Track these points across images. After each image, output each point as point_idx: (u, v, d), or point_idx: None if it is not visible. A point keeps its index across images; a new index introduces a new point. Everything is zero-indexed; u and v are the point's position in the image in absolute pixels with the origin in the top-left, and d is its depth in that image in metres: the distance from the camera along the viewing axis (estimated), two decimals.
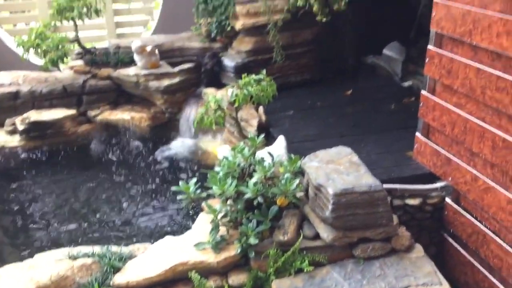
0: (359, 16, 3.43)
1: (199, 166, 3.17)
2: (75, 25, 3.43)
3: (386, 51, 3.95)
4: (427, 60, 2.31)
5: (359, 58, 4.01)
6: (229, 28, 3.56)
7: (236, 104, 2.57)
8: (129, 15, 4.40)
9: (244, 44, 3.55)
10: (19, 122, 3.29)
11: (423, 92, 2.37)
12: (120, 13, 4.37)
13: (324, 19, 2.92)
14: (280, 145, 2.38)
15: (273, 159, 2.14)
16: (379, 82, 3.79)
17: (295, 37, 3.57)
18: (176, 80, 3.48)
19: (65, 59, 3.28)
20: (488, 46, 1.90)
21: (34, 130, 3.29)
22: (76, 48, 3.58)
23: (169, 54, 3.67)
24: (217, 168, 2.11)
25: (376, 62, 4.02)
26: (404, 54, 3.81)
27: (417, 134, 2.45)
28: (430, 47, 2.28)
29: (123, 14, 4.37)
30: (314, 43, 3.68)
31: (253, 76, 2.65)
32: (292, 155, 2.09)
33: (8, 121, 3.40)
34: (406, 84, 3.72)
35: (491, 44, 1.88)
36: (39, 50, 3.23)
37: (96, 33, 4.28)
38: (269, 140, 2.90)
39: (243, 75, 2.73)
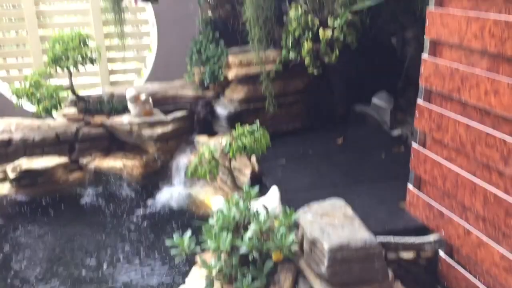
0: (348, 66, 3.52)
1: (192, 215, 3.15)
2: (70, 74, 3.47)
3: (375, 100, 4.05)
4: (417, 114, 2.37)
5: (348, 106, 4.09)
6: (221, 77, 3.63)
7: (230, 155, 2.59)
8: (123, 63, 4.45)
9: (236, 93, 3.61)
10: (10, 170, 3.27)
11: (414, 144, 2.42)
12: (114, 60, 4.43)
13: (315, 72, 2.99)
14: (273, 196, 2.39)
15: (267, 211, 2.14)
16: (369, 131, 3.85)
17: (287, 86, 3.65)
18: (169, 128, 3.51)
19: (58, 108, 3.29)
20: (477, 103, 1.96)
21: (25, 178, 3.27)
22: (70, 96, 3.61)
23: (162, 102, 3.72)
24: (211, 221, 2.11)
25: (365, 111, 4.10)
26: (392, 103, 3.90)
27: (409, 186, 2.48)
28: (419, 101, 2.34)
29: (117, 61, 4.43)
30: (305, 92, 3.76)
31: (247, 127, 2.69)
32: (287, 209, 2.10)
33: None
34: (395, 133, 3.79)
35: (479, 101, 1.94)
36: (33, 99, 3.24)
37: (90, 80, 4.32)
38: (262, 189, 2.91)
39: (236, 126, 2.76)
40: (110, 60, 4.42)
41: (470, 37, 1.95)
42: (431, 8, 2.21)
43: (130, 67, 4.54)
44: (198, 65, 3.74)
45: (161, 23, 4.34)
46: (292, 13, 2.85)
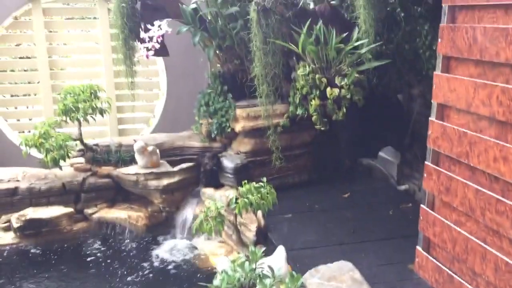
0: (355, 121, 3.55)
1: (196, 269, 3.10)
2: (79, 124, 3.51)
3: (381, 153, 4.05)
4: (425, 175, 2.36)
5: (355, 160, 4.09)
6: (229, 130, 3.66)
7: (237, 212, 2.57)
8: (132, 112, 4.51)
9: (243, 145, 3.63)
10: (15, 219, 3.26)
11: (423, 206, 2.40)
12: (123, 110, 4.49)
13: (322, 128, 3.02)
14: (280, 256, 2.36)
15: (273, 273, 2.11)
16: (376, 185, 3.84)
17: (294, 140, 3.66)
18: (175, 179, 3.50)
19: (66, 158, 3.31)
20: (486, 169, 1.95)
21: (30, 227, 3.25)
22: (78, 145, 3.63)
23: (169, 153, 3.74)
24: (215, 282, 2.08)
25: (372, 164, 4.10)
26: (399, 157, 3.90)
27: (418, 248, 2.44)
28: (427, 163, 2.34)
29: (126, 111, 4.49)
30: (312, 145, 3.77)
31: (254, 184, 2.68)
32: (294, 273, 2.06)
33: (3, 218, 3.36)
34: (403, 187, 3.77)
35: (488, 167, 1.93)
36: (41, 149, 3.27)
37: (98, 129, 4.36)
38: (268, 245, 2.88)
39: (243, 182, 2.76)
40: (120, 109, 4.48)
41: (478, 104, 1.97)
42: (437, 72, 2.24)
43: (139, 116, 4.59)
44: (206, 117, 3.78)
45: (171, 74, 4.43)
46: (299, 71, 2.90)
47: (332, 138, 3.85)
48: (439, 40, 2.21)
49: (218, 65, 3.86)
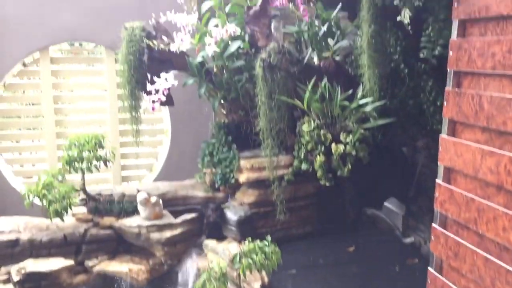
0: (359, 174, 3.53)
1: None
2: (83, 174, 3.50)
3: (386, 204, 4.02)
4: (432, 238, 2.32)
5: (359, 211, 4.05)
6: (233, 180, 3.64)
7: (241, 273, 2.53)
8: (136, 159, 4.51)
9: (247, 196, 3.60)
10: (15, 272, 3.20)
11: (430, 269, 2.35)
12: (127, 156, 4.49)
13: (327, 183, 3.00)
14: None
15: None
16: (381, 237, 3.78)
17: (298, 191, 3.64)
18: (177, 231, 3.46)
19: (69, 210, 3.28)
20: (495, 238, 1.92)
21: (29, 281, 3.19)
22: (81, 195, 3.61)
23: (172, 203, 3.70)
24: None
25: (377, 214, 4.06)
26: (404, 208, 3.86)
27: None
28: (435, 226, 2.30)
29: (129, 157, 4.49)
30: (316, 196, 3.74)
31: (258, 243, 2.64)
32: None
33: (3, 270, 3.31)
34: (408, 240, 3.71)
35: (497, 236, 1.90)
36: (44, 200, 3.25)
37: (101, 175, 4.35)
38: None
39: (247, 241, 2.72)
40: (123, 155, 4.48)
41: (486, 171, 1.95)
42: (444, 135, 2.24)
43: (142, 163, 4.59)
44: (210, 166, 3.77)
45: (175, 122, 4.45)
46: (304, 126, 2.91)
47: (336, 189, 3.81)
48: (445, 103, 2.21)
49: (223, 111, 3.88)
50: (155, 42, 3.26)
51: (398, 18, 2.46)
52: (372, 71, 2.70)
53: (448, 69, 2.20)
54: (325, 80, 2.91)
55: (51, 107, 4.21)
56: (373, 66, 2.70)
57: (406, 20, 2.43)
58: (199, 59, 3.46)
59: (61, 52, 4.32)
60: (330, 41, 3.31)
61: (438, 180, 2.27)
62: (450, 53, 2.17)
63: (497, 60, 1.88)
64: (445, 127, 2.23)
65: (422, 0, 2.42)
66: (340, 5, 3.27)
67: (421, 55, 2.62)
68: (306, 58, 3.13)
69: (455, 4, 2.12)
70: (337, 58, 3.21)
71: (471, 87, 2.07)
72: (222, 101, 3.63)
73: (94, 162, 3.43)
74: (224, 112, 3.83)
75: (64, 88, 4.34)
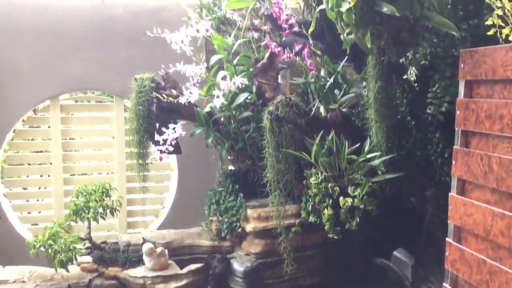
0: (368, 225, 3.50)
1: None
2: (89, 223, 3.49)
3: (395, 253, 3.95)
4: None
5: (368, 260, 3.99)
6: (239, 230, 3.62)
7: None
8: (142, 205, 4.49)
9: (253, 246, 3.57)
10: None
11: None
12: (133, 203, 4.48)
13: (335, 236, 2.97)
14: None
15: None
16: (390, 287, 3.71)
17: (305, 240, 3.60)
18: (183, 282, 3.41)
19: (74, 261, 3.26)
20: None
21: None
22: (86, 244, 3.59)
23: (178, 252, 3.67)
24: None
25: (386, 264, 3.99)
26: (413, 258, 3.80)
27: None
28: (446, 286, 2.26)
29: (135, 204, 4.48)
30: (324, 246, 3.69)
31: None
32: None
33: None
34: None
35: None
36: (50, 250, 3.23)
37: (107, 222, 4.32)
38: None
39: None
40: (130, 202, 4.47)
41: (497, 233, 1.93)
42: (453, 193, 2.22)
43: (148, 209, 4.57)
44: (216, 215, 3.75)
45: (182, 168, 4.46)
46: (312, 179, 2.91)
47: (344, 239, 3.76)
48: (453, 162, 2.21)
49: (230, 158, 3.88)
50: (164, 95, 3.30)
51: (405, 77, 2.49)
52: (379, 125, 2.71)
53: (455, 128, 2.22)
54: (332, 133, 2.93)
55: (60, 154, 4.24)
56: (380, 120, 2.71)
57: (412, 78, 2.46)
58: (207, 109, 3.50)
59: (72, 100, 4.38)
60: (337, 91, 3.35)
61: (449, 239, 2.25)
62: (458, 112, 2.19)
63: (505, 123, 1.89)
64: (454, 185, 2.22)
65: (428, 59, 2.46)
66: (346, 57, 3.32)
67: (428, 111, 2.64)
68: (313, 110, 3.16)
69: (461, 65, 2.15)
70: (344, 109, 3.23)
71: (479, 147, 2.08)
72: (229, 150, 3.65)
73: (101, 211, 3.42)
74: (231, 160, 3.84)
75: (73, 135, 4.38)
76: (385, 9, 2.18)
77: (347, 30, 2.37)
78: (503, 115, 1.90)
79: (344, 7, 2.28)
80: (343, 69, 3.34)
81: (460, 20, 2.56)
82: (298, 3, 3.42)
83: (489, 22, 2.00)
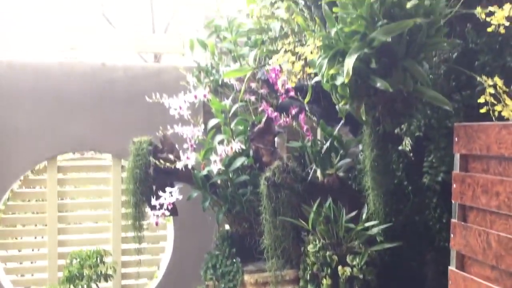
0: None
1: None
2: None
3: None
4: None
5: None
6: None
7: None
8: (137, 267, 4.41)
9: None
10: None
11: None
12: (128, 265, 4.40)
13: None
14: None
15: None
16: None
17: None
18: None
19: None
20: None
21: None
22: None
23: None
24: None
25: None
26: None
27: None
28: None
29: (131, 266, 4.40)
30: None
31: None
32: None
33: None
34: None
35: None
36: None
37: (101, 286, 4.23)
38: None
39: None
40: (124, 264, 4.39)
41: None
42: (452, 268, 2.19)
43: (143, 271, 4.49)
44: (212, 279, 3.67)
45: (178, 230, 4.42)
46: (310, 247, 2.87)
47: None
48: (451, 235, 2.19)
49: (227, 219, 3.84)
50: (161, 160, 3.31)
51: (400, 147, 2.51)
52: (377, 193, 2.71)
53: (452, 201, 2.21)
54: (329, 200, 2.92)
55: (55, 216, 4.20)
56: (377, 188, 2.71)
57: (407, 148, 2.48)
58: (204, 172, 3.50)
59: (69, 161, 4.39)
60: (334, 155, 3.36)
61: None
62: (454, 185, 2.19)
63: (502, 200, 1.89)
64: (453, 259, 2.19)
65: (422, 130, 2.49)
66: (342, 121, 3.36)
67: (424, 180, 2.65)
68: (310, 175, 3.17)
69: (456, 139, 2.17)
70: (341, 174, 3.24)
71: (477, 222, 2.06)
72: (226, 213, 3.62)
73: (95, 277, 3.36)
74: (228, 222, 3.80)
75: (69, 196, 4.36)
76: (378, 84, 2.23)
77: (342, 102, 2.41)
78: (499, 192, 1.90)
79: (339, 81, 2.33)
80: (339, 133, 3.37)
81: (453, 90, 2.61)
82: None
83: (481, 100, 2.04)
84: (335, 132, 3.33)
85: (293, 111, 3.41)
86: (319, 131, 3.79)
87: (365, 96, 2.36)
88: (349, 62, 2.16)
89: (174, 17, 7.50)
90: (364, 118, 2.37)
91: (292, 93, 3.37)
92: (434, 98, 2.24)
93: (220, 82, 3.99)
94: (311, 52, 2.07)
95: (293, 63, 2.16)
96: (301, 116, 3.28)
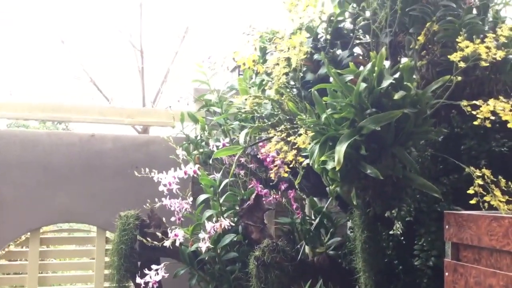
0: None
1: None
2: None
3: None
4: None
5: None
6: None
7: None
8: None
9: None
10: None
11: None
12: None
13: None
14: None
15: None
16: None
17: None
18: None
19: None
20: None
21: None
22: None
23: None
24: None
25: None
26: None
27: None
28: None
29: None
30: None
31: None
32: None
33: None
34: None
35: None
36: None
37: None
38: None
39: None
40: None
41: None
42: None
43: None
44: None
45: None
46: None
47: None
48: None
49: None
50: (148, 239, 3.26)
51: (391, 232, 2.52)
52: (368, 275, 2.67)
53: None
54: (320, 282, 2.87)
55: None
56: (369, 270, 2.68)
57: (398, 232, 2.48)
58: (192, 248, 3.43)
59: (52, 233, 4.29)
60: (323, 231, 3.35)
61: None
62: (446, 273, 2.18)
63: None
64: None
65: (412, 214, 2.50)
66: (330, 198, 3.37)
67: (416, 263, 2.63)
68: (300, 254, 3.13)
69: (446, 226, 2.18)
70: (331, 252, 3.21)
71: None
72: None
73: None
74: None
75: (51, 269, 4.22)
76: (369, 171, 2.26)
77: (333, 186, 2.43)
78: (493, 285, 1.89)
79: (329, 165, 2.36)
80: (328, 208, 3.37)
81: (440, 174, 2.65)
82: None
83: (471, 191, 2.07)
84: (324, 209, 3.33)
85: (282, 187, 3.42)
86: (307, 205, 3.79)
87: (355, 180, 2.39)
88: (340, 149, 2.20)
89: (163, 88, 7.67)
90: (355, 203, 2.38)
91: (281, 169, 3.39)
92: (423, 185, 2.27)
93: (209, 154, 4.02)
94: (303, 142, 2.10)
95: (286, 152, 2.19)
96: (291, 194, 3.28)
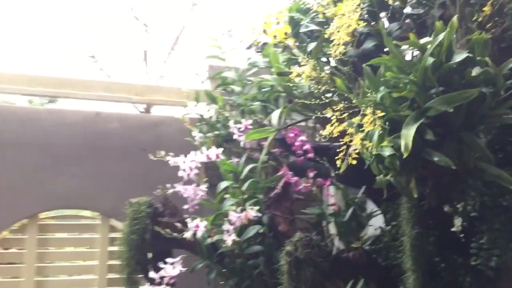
0: None
1: None
2: None
3: None
4: None
5: None
6: None
7: None
8: None
9: None
10: None
11: None
12: None
13: None
14: None
15: None
16: None
17: None
18: None
19: None
20: None
21: None
22: None
23: None
24: None
25: None
26: None
27: None
28: None
29: None
30: None
31: None
32: None
33: None
34: None
35: None
36: None
37: None
38: None
39: None
40: None
41: None
42: None
43: None
44: None
45: None
46: None
47: None
48: None
49: None
50: (167, 230, 2.95)
51: (454, 229, 2.24)
52: (418, 275, 2.40)
53: None
54: (362, 281, 2.59)
55: (32, 281, 3.72)
56: (418, 269, 2.41)
57: (458, 229, 2.21)
58: (209, 239, 3.13)
59: (51, 219, 3.95)
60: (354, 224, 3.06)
61: None
62: None
63: None
64: None
65: (477, 209, 2.23)
66: (364, 187, 3.09)
67: (473, 263, 2.37)
68: (334, 249, 2.85)
69: None
70: (367, 248, 2.93)
71: None
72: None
73: None
74: None
75: (50, 259, 3.88)
76: (436, 159, 1.97)
77: (389, 176, 2.13)
78: None
79: (387, 151, 2.06)
80: (361, 200, 3.09)
81: (500, 163, 2.37)
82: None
83: None
84: (357, 199, 3.04)
85: (310, 175, 3.12)
86: (333, 196, 3.50)
87: (416, 170, 2.10)
88: (408, 133, 1.91)
89: (166, 67, 7.29)
90: (415, 195, 2.09)
91: (311, 155, 3.10)
92: (499, 177, 1.99)
93: (225, 138, 3.69)
94: (370, 122, 1.80)
95: (351, 135, 1.88)
96: (327, 182, 2.99)
